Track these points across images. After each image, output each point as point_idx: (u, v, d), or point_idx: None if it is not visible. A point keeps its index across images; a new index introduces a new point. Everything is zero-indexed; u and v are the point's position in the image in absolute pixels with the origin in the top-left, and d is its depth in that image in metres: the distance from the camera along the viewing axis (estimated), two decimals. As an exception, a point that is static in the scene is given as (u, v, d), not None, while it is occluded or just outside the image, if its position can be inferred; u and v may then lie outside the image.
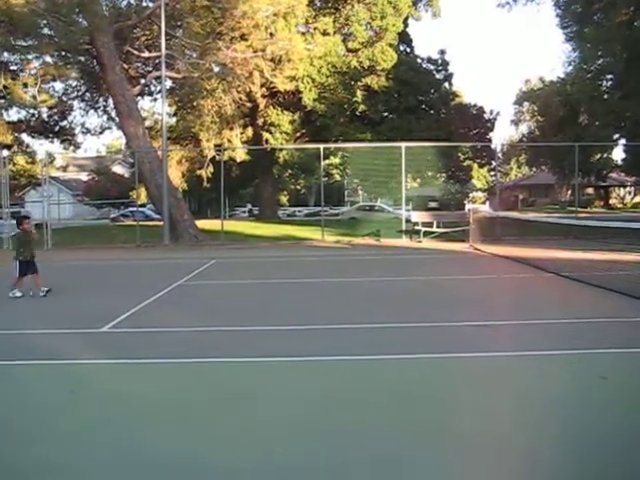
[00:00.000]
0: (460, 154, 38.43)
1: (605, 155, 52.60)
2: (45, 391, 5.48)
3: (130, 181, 44.65)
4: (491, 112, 39.81)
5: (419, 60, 38.86)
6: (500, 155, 49.86)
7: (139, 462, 3.87)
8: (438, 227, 23.12)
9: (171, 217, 24.14)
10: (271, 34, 27.26)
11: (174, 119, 36.41)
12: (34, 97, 25.32)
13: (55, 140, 35.62)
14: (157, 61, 26.82)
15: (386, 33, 34.35)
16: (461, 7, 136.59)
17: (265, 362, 6.20)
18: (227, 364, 6.18)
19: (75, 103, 33.96)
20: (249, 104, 32.17)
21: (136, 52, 28.03)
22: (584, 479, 3.61)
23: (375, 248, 20.82)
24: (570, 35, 35.56)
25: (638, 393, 5.12)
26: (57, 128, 34.45)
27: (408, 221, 24.17)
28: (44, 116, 33.25)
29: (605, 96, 38.07)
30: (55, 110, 32.42)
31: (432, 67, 38.76)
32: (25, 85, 25.50)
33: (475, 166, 42.65)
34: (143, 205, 43.18)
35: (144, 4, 28.51)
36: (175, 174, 32.74)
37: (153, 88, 34.58)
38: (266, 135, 35.14)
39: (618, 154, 55.64)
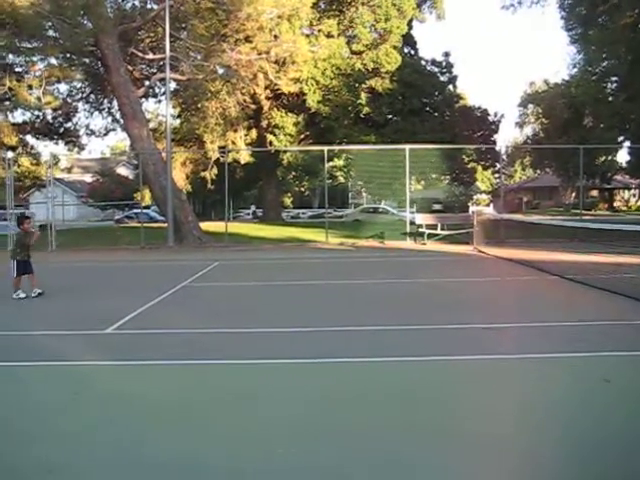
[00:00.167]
0: (464, 156, 38.36)
1: (610, 157, 52.45)
2: (49, 392, 5.49)
3: (134, 183, 44.70)
4: (495, 114, 39.74)
5: (423, 62, 38.84)
6: (504, 157, 49.88)
7: (141, 462, 3.88)
8: (442, 229, 23.08)
9: (175, 219, 24.17)
10: (275, 36, 27.28)
11: (178, 121, 36.45)
12: (39, 99, 25.40)
13: (60, 142, 35.76)
14: (161, 63, 26.82)
15: (390, 35, 34.36)
16: (465, 9, 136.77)
17: (268, 364, 6.21)
18: (230, 366, 6.19)
19: (80, 105, 34.08)
20: (253, 106, 32.19)
21: (140, 54, 28.09)
22: (587, 482, 3.61)
23: (379, 250, 20.80)
24: (575, 37, 35.53)
25: (641, 396, 5.11)
26: (62, 130, 34.55)
27: (412, 223, 24.15)
28: (49, 118, 33.37)
29: (610, 98, 38.01)
30: (60, 112, 32.52)
31: (436, 69, 38.73)
32: (30, 87, 25.57)
33: (479, 168, 42.55)
34: (147, 207, 43.30)
35: (149, 6, 28.57)
36: (179, 176, 32.75)
37: (157, 90, 34.71)
38: (270, 137, 35.17)
39: (623, 156, 55.68)
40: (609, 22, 31.31)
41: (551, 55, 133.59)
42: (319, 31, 33.29)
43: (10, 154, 25.46)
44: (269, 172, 41.86)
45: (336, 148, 36.19)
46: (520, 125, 65.91)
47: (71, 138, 35.13)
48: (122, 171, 59.97)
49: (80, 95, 33.25)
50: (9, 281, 10.89)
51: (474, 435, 4.25)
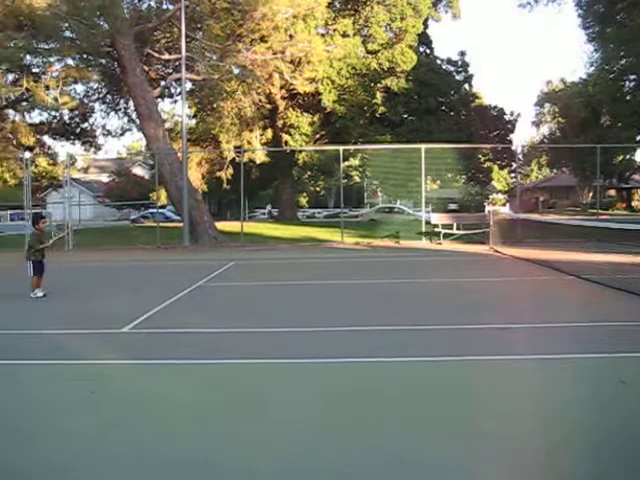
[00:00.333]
0: (480, 156, 38.22)
1: (627, 157, 51.98)
2: (65, 391, 5.51)
3: (150, 183, 44.94)
4: (512, 113, 39.60)
5: (439, 61, 38.70)
6: (520, 157, 49.61)
7: (156, 462, 3.88)
8: (458, 229, 23.00)
9: (191, 219, 24.24)
10: (291, 36, 27.27)
11: (194, 121, 36.56)
12: (56, 99, 25.54)
13: (76, 142, 36.04)
14: (177, 63, 26.91)
15: (406, 34, 34.26)
16: (481, 8, 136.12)
17: (283, 364, 6.21)
18: (245, 365, 6.19)
19: (96, 105, 34.29)
20: (269, 106, 32.25)
21: (156, 54, 28.18)
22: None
23: (395, 250, 20.75)
24: (592, 35, 35.21)
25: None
26: (78, 130, 34.79)
27: (428, 223, 24.08)
28: (66, 118, 33.64)
29: (628, 97, 37.66)
30: (76, 112, 32.74)
31: (452, 68, 38.58)
32: (47, 87, 25.72)
33: (495, 168, 42.39)
34: (163, 207, 43.45)
35: (164, 7, 28.66)
36: (195, 176, 32.86)
37: (173, 90, 34.81)
38: (285, 137, 35.19)
39: (640, 156, 54.99)
40: (627, 20, 31.03)
41: (568, 54, 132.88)
42: (334, 30, 33.24)
43: (28, 154, 25.67)
44: (284, 172, 41.87)
45: (351, 148, 36.16)
46: (536, 124, 65.58)
47: (88, 138, 35.36)
48: (138, 171, 60.29)
49: (96, 95, 33.46)
50: (27, 280, 10.94)
51: (488, 435, 4.21)
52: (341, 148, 27.65)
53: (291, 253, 20.18)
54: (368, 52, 34.62)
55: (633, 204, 62.66)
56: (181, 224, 24.88)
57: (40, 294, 10.64)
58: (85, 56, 26.30)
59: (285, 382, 5.67)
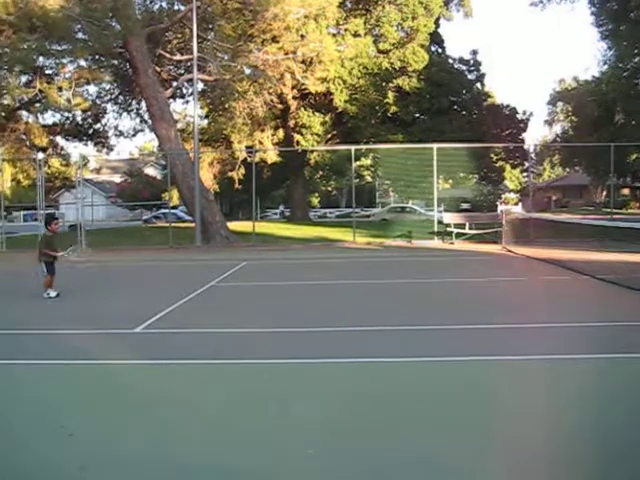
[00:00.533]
0: (492, 155, 38.04)
1: (641, 155, 51.59)
2: (77, 391, 5.52)
3: (162, 183, 45.06)
4: (524, 112, 39.38)
5: (451, 61, 38.59)
6: (533, 156, 49.27)
7: (171, 463, 3.87)
8: (470, 229, 22.91)
9: (203, 219, 24.26)
10: (302, 36, 27.28)
11: (206, 121, 36.63)
12: (69, 100, 25.65)
13: (89, 143, 36.20)
14: (189, 64, 27.01)
15: (417, 34, 34.19)
16: (493, 6, 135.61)
17: (298, 364, 6.19)
18: (259, 365, 6.17)
19: (108, 106, 34.44)
20: (280, 106, 32.28)
21: (168, 55, 28.28)
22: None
23: (407, 250, 20.70)
24: (605, 33, 34.98)
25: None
26: (91, 131, 34.94)
27: (440, 222, 24.00)
28: (78, 119, 33.78)
29: (641, 95, 37.35)
30: (89, 113, 32.87)
31: (464, 67, 38.46)
32: (60, 89, 25.85)
33: (508, 167, 42.15)
34: (175, 207, 43.53)
35: (176, 7, 28.77)
36: (207, 176, 32.89)
37: (185, 91, 34.92)
38: (297, 137, 35.18)
39: (655, 154, 54.52)
40: (641, 17, 30.81)
41: (581, 52, 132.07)
42: (346, 30, 33.21)
43: (41, 155, 25.80)
44: (296, 172, 41.86)
45: (363, 147, 36.07)
46: (549, 123, 65.37)
47: (100, 139, 35.51)
48: (150, 171, 60.55)
49: (109, 96, 33.59)
50: (39, 280, 10.96)
51: (506, 436, 4.18)
52: (353, 148, 27.60)
53: (303, 253, 20.16)
54: (379, 52, 34.56)
55: (647, 203, 62.21)
56: (193, 224, 24.93)
57: (53, 294, 10.61)
58: (97, 57, 26.42)
59: (300, 382, 5.66)
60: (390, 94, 34.65)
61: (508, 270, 14.47)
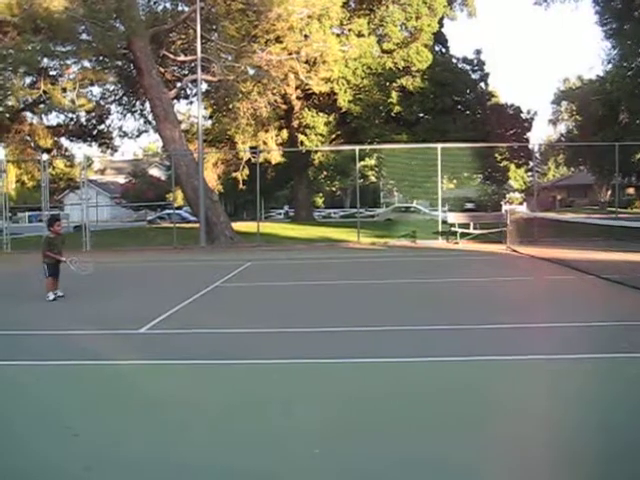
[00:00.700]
0: (497, 155, 37.98)
1: (646, 154, 51.43)
2: (81, 392, 5.53)
3: (166, 184, 45.19)
4: (528, 112, 39.32)
5: (455, 60, 38.54)
6: (538, 155, 49.26)
7: (173, 464, 3.87)
8: (475, 228, 22.86)
9: (207, 219, 24.27)
10: (306, 36, 27.29)
11: (210, 122, 36.65)
12: (73, 101, 25.66)
13: (93, 144, 36.28)
14: (193, 64, 27.01)
15: (421, 33, 34.20)
16: (497, 6, 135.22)
17: (304, 364, 6.20)
18: (264, 366, 6.18)
19: (112, 107, 34.49)
20: (284, 106, 32.30)
21: (172, 56, 28.30)
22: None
23: (411, 250, 20.67)
24: (609, 32, 34.90)
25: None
26: (95, 132, 35.00)
27: (444, 222, 23.96)
28: (82, 120, 33.83)
29: (646, 94, 37.22)
30: (93, 114, 32.91)
31: (468, 67, 38.40)
32: (64, 90, 25.88)
33: (512, 167, 42.09)
34: (179, 207, 43.61)
35: (180, 8, 28.79)
36: (211, 176, 32.92)
37: (189, 91, 34.94)
38: (301, 137, 35.18)
39: (660, 153, 54.33)
40: (645, 16, 30.74)
41: (585, 51, 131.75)
42: (349, 30, 33.24)
43: (45, 156, 25.90)
44: (300, 172, 41.88)
45: (367, 147, 36.05)
46: (553, 122, 65.21)
47: (104, 140, 35.56)
48: (154, 172, 60.65)
49: (113, 97, 33.63)
50: (44, 281, 10.94)
51: (507, 436, 4.18)
52: (357, 148, 27.61)
53: (307, 253, 20.15)
54: (383, 51, 34.57)
55: (653, 202, 62.01)
56: (197, 225, 24.93)
57: (51, 297, 10.50)
58: (101, 58, 26.45)
59: (306, 382, 5.66)
60: (394, 94, 34.63)
61: (512, 270, 14.43)
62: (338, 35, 31.86)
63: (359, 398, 5.09)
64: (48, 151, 31.03)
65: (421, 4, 33.69)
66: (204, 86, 29.56)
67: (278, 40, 26.30)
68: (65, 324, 8.56)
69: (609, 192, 54.49)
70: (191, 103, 37.74)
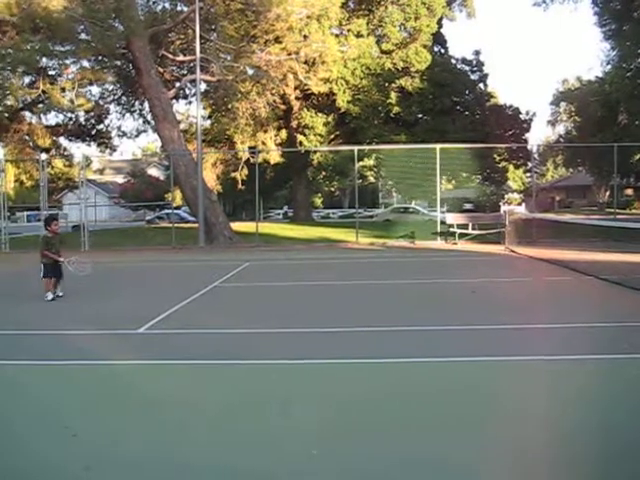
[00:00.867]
0: (495, 155, 37.98)
1: (644, 156, 51.46)
2: (80, 392, 5.52)
3: (165, 184, 45.17)
4: (527, 113, 39.35)
5: (453, 61, 38.56)
6: (536, 156, 49.27)
7: (172, 464, 3.87)
8: (473, 229, 22.85)
9: (206, 219, 24.25)
10: (305, 36, 27.28)
11: (209, 122, 36.67)
12: (72, 101, 25.65)
13: (92, 143, 36.28)
14: (192, 64, 27.02)
15: (420, 34, 34.22)
16: (496, 7, 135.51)
17: (302, 364, 6.19)
18: (263, 366, 6.17)
19: (111, 107, 34.45)
20: (283, 106, 32.31)
21: (171, 56, 28.29)
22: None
23: (410, 250, 20.66)
24: (608, 33, 34.93)
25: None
26: (94, 131, 34.99)
27: (443, 223, 23.95)
28: (81, 120, 33.81)
29: (645, 95, 37.25)
30: (92, 114, 32.88)
31: (467, 68, 38.42)
32: (63, 90, 25.86)
33: (511, 167, 42.11)
34: (178, 207, 43.56)
35: (179, 8, 28.78)
36: (210, 176, 32.92)
37: (188, 91, 34.90)
38: (300, 137, 35.19)
39: (658, 154, 54.37)
40: (644, 17, 30.76)
41: (584, 52, 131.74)
42: (348, 31, 33.27)
43: (44, 156, 25.87)
44: (299, 172, 41.88)
45: (366, 148, 36.08)
46: (552, 123, 65.28)
47: (103, 140, 35.55)
48: (153, 172, 60.62)
49: (112, 97, 33.59)
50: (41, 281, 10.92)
51: (507, 436, 4.18)
52: (356, 148, 27.62)
53: (306, 254, 20.14)
54: (382, 52, 34.59)
55: (651, 203, 62.05)
56: (196, 225, 24.92)
57: (50, 297, 10.48)
58: (100, 58, 26.45)
59: (305, 383, 5.66)
60: (393, 94, 34.66)
61: (511, 270, 14.43)
62: (337, 35, 31.89)
63: (358, 398, 5.09)
64: (47, 151, 31.02)
65: (420, 5, 33.70)
66: (203, 86, 29.60)
67: (277, 40, 26.29)
68: (64, 324, 8.56)
69: (608, 193, 54.52)
70: (190, 103, 37.74)
